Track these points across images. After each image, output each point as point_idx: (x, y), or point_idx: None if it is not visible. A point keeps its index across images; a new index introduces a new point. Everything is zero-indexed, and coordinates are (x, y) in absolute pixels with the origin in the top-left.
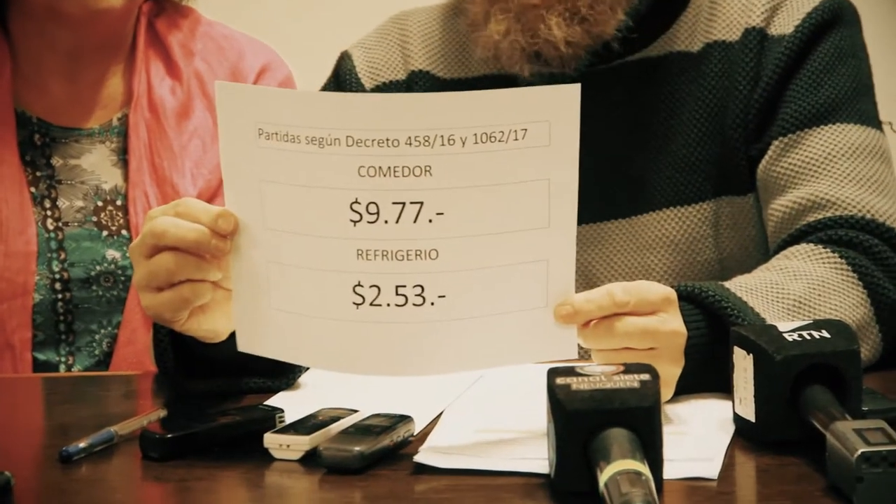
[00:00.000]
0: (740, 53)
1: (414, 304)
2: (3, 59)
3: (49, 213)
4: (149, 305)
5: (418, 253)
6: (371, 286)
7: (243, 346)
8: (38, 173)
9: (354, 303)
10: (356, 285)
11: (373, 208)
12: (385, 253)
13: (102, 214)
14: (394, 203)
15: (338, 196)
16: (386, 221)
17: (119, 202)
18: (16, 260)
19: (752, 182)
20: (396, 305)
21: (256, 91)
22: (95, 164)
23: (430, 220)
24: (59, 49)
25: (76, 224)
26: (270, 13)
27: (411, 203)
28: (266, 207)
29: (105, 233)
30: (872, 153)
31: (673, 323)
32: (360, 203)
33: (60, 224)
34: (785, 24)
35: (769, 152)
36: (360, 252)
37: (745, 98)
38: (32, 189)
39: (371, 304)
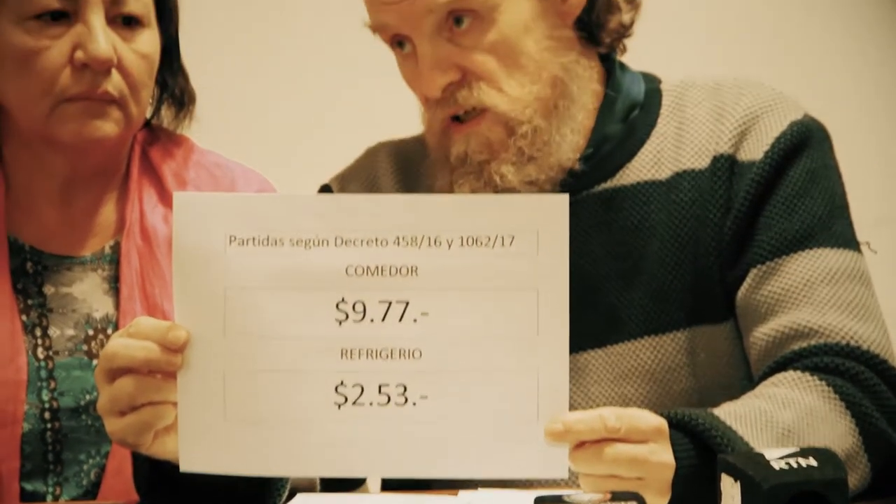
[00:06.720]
0: (710, 181)
1: (396, 404)
2: None
3: (40, 341)
4: (112, 431)
5: (402, 352)
6: (354, 385)
7: (187, 465)
8: (30, 301)
9: (336, 403)
10: (339, 385)
11: (359, 307)
12: (370, 351)
13: (93, 343)
14: (380, 302)
15: (323, 296)
16: (372, 320)
17: (110, 330)
18: (6, 389)
19: (728, 310)
20: (379, 404)
21: (227, 199)
22: (87, 292)
23: (415, 320)
24: (54, 176)
25: (66, 353)
26: (262, 143)
27: (397, 302)
28: (229, 315)
29: (95, 362)
30: (851, 276)
31: (662, 455)
32: (346, 302)
33: (51, 353)
34: (754, 150)
35: (747, 280)
36: (344, 351)
37: (717, 226)
38: (24, 317)
39: (354, 404)
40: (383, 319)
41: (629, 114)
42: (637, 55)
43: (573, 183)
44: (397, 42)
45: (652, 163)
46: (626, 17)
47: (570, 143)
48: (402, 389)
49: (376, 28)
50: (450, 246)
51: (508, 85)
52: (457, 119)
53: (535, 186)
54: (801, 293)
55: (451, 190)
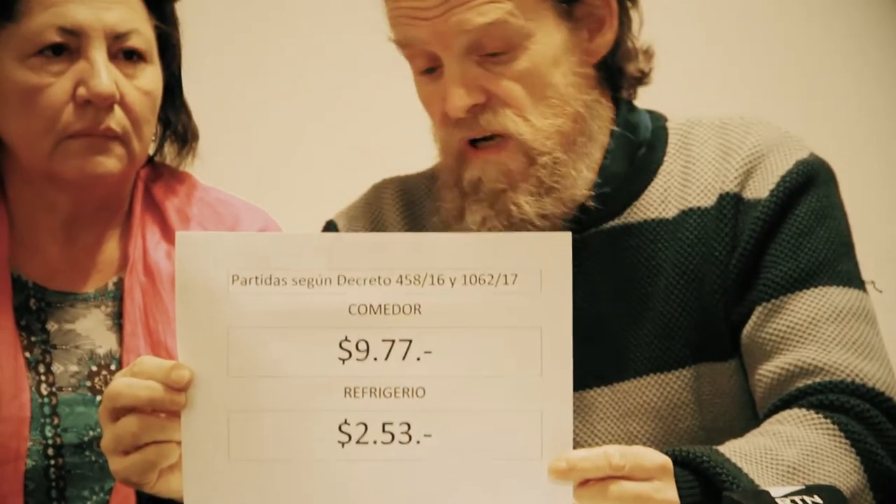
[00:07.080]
0: (716, 219)
1: (400, 442)
2: (0, 224)
3: (43, 378)
4: (116, 470)
5: (406, 390)
6: (358, 424)
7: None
8: (33, 338)
9: (340, 441)
10: (342, 423)
11: (362, 346)
12: (373, 390)
13: (97, 379)
14: (383, 340)
15: (327, 335)
16: (375, 359)
17: (113, 367)
18: (9, 425)
19: (733, 347)
20: (383, 443)
21: (230, 238)
22: (90, 329)
23: (419, 358)
24: (57, 213)
25: (70, 389)
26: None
27: (400, 340)
28: (232, 355)
29: (99, 398)
30: (857, 315)
31: (667, 492)
32: (349, 341)
33: (54, 389)
34: (759, 189)
35: (753, 318)
36: (347, 390)
37: (722, 264)
38: (27, 354)
39: (357, 442)
40: (386, 358)
41: (636, 152)
42: None
43: (582, 220)
44: (425, 66)
45: (659, 201)
46: (644, 67)
47: (584, 179)
48: (405, 428)
49: (403, 43)
50: (453, 284)
51: (533, 115)
52: (473, 144)
53: (549, 221)
54: (806, 331)
55: (459, 214)
